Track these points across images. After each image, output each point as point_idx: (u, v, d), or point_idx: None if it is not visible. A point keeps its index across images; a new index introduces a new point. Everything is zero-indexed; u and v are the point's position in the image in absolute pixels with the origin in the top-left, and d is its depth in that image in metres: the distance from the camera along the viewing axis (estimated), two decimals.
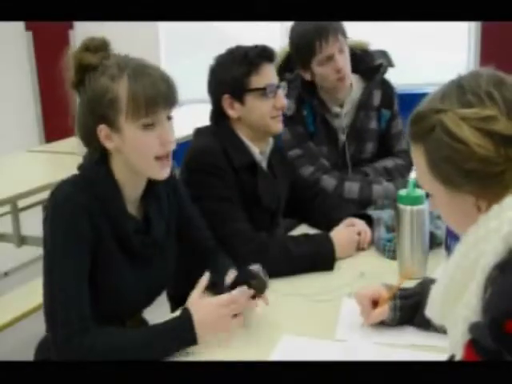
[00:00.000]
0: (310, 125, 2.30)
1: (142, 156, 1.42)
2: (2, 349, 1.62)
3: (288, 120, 2.25)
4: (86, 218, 1.40)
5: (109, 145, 1.43)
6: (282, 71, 2.33)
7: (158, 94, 1.38)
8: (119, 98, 1.38)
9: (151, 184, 1.53)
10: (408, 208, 1.70)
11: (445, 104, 1.00)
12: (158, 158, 1.43)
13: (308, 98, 2.28)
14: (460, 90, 1.00)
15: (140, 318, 1.69)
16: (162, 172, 1.45)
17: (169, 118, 1.43)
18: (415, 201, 1.70)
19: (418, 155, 1.06)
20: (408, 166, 2.38)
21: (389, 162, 2.36)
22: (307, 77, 2.25)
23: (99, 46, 1.43)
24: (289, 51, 2.36)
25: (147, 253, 1.53)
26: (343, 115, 2.32)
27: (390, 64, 2.39)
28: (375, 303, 1.49)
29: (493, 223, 0.95)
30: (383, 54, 2.40)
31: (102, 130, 1.41)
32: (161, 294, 1.66)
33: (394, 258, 1.84)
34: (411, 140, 1.07)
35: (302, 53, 2.22)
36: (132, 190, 1.50)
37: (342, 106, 2.32)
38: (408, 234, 1.72)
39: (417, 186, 1.72)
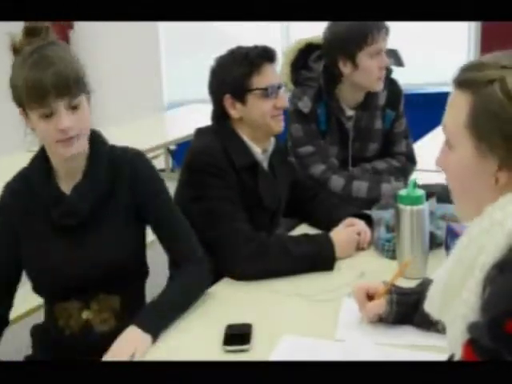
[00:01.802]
0: (323, 124, 2.31)
1: (45, 141, 1.55)
2: (15, 342, 1.65)
3: (302, 117, 2.26)
4: (14, 209, 1.60)
5: (28, 126, 1.55)
6: (296, 68, 2.34)
7: (46, 86, 1.45)
8: (21, 87, 1.48)
9: (90, 165, 1.61)
10: (408, 208, 1.70)
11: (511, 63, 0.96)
12: (59, 141, 1.51)
13: (326, 97, 2.29)
14: None
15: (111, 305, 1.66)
16: (65, 151, 1.52)
17: (73, 108, 1.50)
18: (415, 201, 1.70)
19: (459, 103, 1.00)
20: (404, 169, 2.39)
21: (380, 164, 2.37)
22: (345, 70, 2.24)
23: (29, 32, 1.52)
24: (301, 48, 2.36)
25: (67, 226, 1.59)
26: (354, 118, 2.34)
27: (400, 63, 2.40)
28: (373, 299, 1.49)
29: (497, 214, 0.94)
30: (393, 53, 2.41)
31: (21, 113, 1.54)
32: (117, 272, 1.62)
33: (393, 257, 1.84)
34: (459, 86, 1.01)
35: (350, 42, 2.19)
36: (64, 169, 1.60)
37: (355, 109, 2.33)
38: (408, 234, 1.72)
39: (416, 185, 1.73)
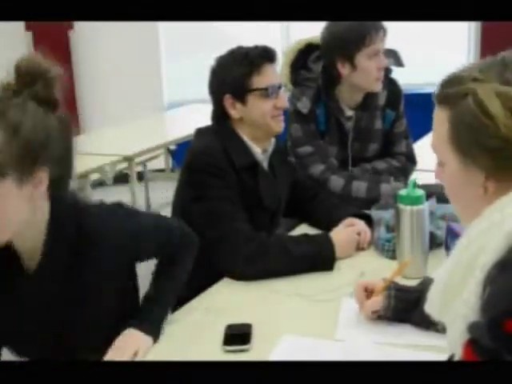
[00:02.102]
0: (322, 124, 2.31)
1: None
2: None
3: (301, 117, 2.26)
4: None
5: None
6: (295, 68, 2.34)
7: None
8: None
9: (49, 241, 1.34)
10: (408, 208, 1.70)
11: (483, 75, 0.97)
12: None
13: (325, 98, 2.29)
14: (502, 66, 0.97)
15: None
16: None
17: None
18: (415, 201, 1.70)
19: (440, 119, 1.02)
20: (404, 169, 2.39)
21: (380, 164, 2.38)
22: (344, 71, 2.24)
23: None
24: (301, 48, 2.37)
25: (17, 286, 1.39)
26: (354, 118, 2.34)
27: (400, 63, 2.41)
28: (372, 295, 1.50)
29: (496, 216, 0.94)
30: (393, 53, 2.41)
31: None
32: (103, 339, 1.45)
33: (393, 257, 1.84)
34: (438, 103, 1.03)
35: (348, 43, 2.19)
36: (17, 247, 1.36)
37: (355, 109, 2.33)
38: (408, 234, 1.72)
39: (416, 185, 1.73)
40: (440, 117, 1.03)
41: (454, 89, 1.00)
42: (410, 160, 2.43)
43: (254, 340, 1.46)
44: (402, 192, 1.73)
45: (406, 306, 1.46)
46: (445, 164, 1.05)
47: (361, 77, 2.23)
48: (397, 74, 2.46)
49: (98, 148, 3.95)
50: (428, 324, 1.40)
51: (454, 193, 1.06)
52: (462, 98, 0.97)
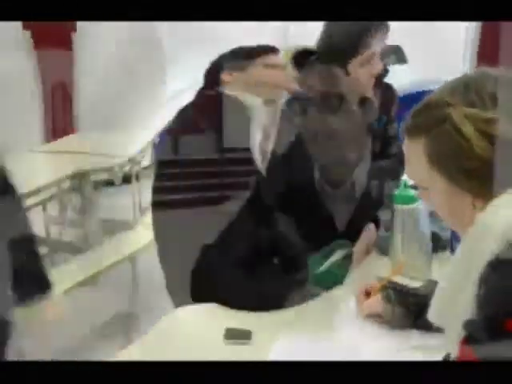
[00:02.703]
0: None
1: None
2: None
3: None
4: None
5: None
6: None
7: None
8: None
9: None
10: (400, 207, 1.73)
11: (453, 98, 0.98)
12: None
13: None
14: (466, 88, 0.98)
15: None
16: None
17: None
18: (407, 200, 1.72)
19: (416, 149, 1.03)
20: (396, 170, 2.40)
21: (373, 165, 2.38)
22: None
23: None
24: (295, 52, 2.37)
25: None
26: None
27: (403, 59, 2.39)
28: (369, 295, 1.50)
29: (489, 221, 0.95)
30: (396, 48, 2.39)
31: None
32: None
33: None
34: (409, 134, 1.04)
35: (342, 51, 2.16)
36: None
37: None
38: (401, 232, 1.74)
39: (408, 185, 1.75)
40: (414, 148, 1.03)
41: (431, 115, 1.00)
42: (401, 162, 2.42)
43: (254, 340, 1.46)
44: (395, 192, 1.76)
45: (408, 313, 1.46)
46: (431, 190, 1.05)
47: (352, 83, 2.23)
48: (397, 72, 2.46)
49: (98, 148, 3.96)
50: (429, 326, 1.40)
51: (443, 212, 1.07)
52: (441, 123, 0.98)
